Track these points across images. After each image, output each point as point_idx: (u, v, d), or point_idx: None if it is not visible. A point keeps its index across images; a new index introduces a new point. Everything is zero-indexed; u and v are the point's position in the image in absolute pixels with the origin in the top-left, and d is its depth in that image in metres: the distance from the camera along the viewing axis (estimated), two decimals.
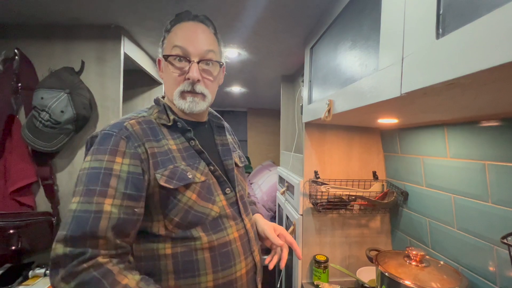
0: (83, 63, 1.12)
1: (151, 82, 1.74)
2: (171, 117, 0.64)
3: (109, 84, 1.15)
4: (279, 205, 1.72)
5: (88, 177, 0.51)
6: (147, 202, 0.57)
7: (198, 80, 0.64)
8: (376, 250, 0.98)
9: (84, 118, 1.06)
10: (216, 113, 0.79)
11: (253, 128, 3.63)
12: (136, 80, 1.72)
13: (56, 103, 0.98)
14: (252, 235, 0.68)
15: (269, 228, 0.75)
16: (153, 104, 0.70)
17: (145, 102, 1.79)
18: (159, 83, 1.76)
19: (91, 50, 1.14)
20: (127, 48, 1.20)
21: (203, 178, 0.62)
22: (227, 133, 0.78)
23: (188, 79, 0.63)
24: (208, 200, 0.61)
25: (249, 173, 3.48)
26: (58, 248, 0.46)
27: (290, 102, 1.85)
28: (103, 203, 0.50)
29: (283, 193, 1.53)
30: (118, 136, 0.56)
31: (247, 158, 3.64)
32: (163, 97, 0.72)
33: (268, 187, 2.21)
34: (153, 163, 0.58)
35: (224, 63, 0.72)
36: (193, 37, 0.63)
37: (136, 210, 0.53)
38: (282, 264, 0.72)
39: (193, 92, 0.64)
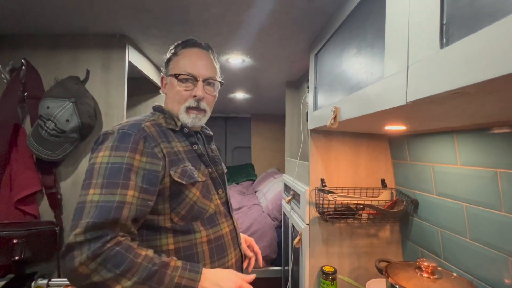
0: (88, 72, 1.16)
1: (154, 90, 1.78)
2: (179, 123, 0.75)
3: (113, 92, 1.19)
4: (284, 214, 1.72)
5: (109, 170, 0.58)
6: (157, 197, 0.65)
7: (203, 98, 0.75)
8: (386, 261, 0.97)
9: (89, 126, 1.09)
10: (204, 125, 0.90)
11: (257, 134, 3.65)
12: (140, 88, 1.76)
13: (62, 112, 1.02)
14: (238, 231, 0.82)
15: (242, 241, 0.89)
16: (153, 111, 0.79)
17: (148, 110, 1.83)
18: None
19: (97, 59, 1.18)
20: (132, 56, 1.24)
21: (203, 178, 0.73)
22: (213, 142, 0.90)
23: (195, 96, 0.74)
24: (207, 198, 0.73)
25: (253, 180, 3.48)
26: (79, 235, 0.51)
27: (295, 108, 1.86)
28: (126, 195, 0.57)
29: (288, 202, 1.53)
30: (137, 136, 0.63)
31: (251, 165, 3.64)
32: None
33: (273, 196, 2.21)
34: (168, 162, 0.66)
35: (223, 82, 0.85)
36: (199, 63, 0.76)
37: (149, 202, 0.62)
38: (250, 269, 0.88)
39: (197, 109, 0.76)
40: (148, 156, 0.63)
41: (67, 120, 1.02)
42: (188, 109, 0.75)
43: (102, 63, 1.18)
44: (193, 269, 0.60)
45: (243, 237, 0.93)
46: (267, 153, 3.64)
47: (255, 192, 2.90)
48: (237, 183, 3.33)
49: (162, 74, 0.81)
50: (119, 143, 0.61)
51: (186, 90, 0.75)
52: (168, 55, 0.80)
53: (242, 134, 3.78)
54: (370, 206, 1.08)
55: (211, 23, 1.08)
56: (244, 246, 0.89)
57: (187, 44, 0.78)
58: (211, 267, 0.68)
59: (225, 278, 0.61)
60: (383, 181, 1.23)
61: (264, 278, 1.93)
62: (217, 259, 0.70)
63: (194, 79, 0.75)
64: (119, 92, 1.19)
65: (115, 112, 1.18)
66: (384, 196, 1.16)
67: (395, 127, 0.90)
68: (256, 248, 0.92)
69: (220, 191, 0.78)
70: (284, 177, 1.74)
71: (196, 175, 0.70)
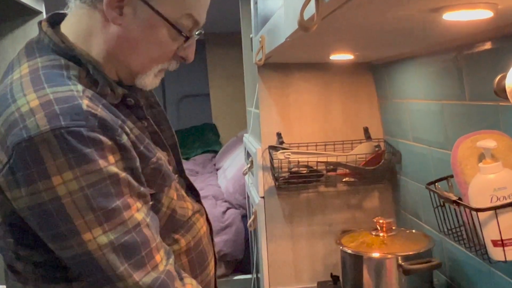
0: None
1: (24, 12, 2.20)
2: (118, 91, 0.82)
3: None
4: (248, 196, 2.17)
5: (93, 197, 0.68)
6: None
7: None
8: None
9: None
10: None
11: (217, 70, 3.96)
12: (3, 10, 2.17)
13: None
14: (211, 225, 1.08)
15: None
16: (54, 55, 0.78)
17: (18, 41, 2.23)
18: (37, 13, 2.24)
19: None
20: None
21: (171, 168, 0.92)
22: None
23: (182, 58, 0.88)
24: (181, 198, 0.94)
25: (216, 152, 3.91)
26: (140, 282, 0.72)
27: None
28: (134, 214, 0.73)
29: (246, 173, 2.02)
30: (91, 129, 0.68)
31: (212, 126, 4.05)
32: (52, 30, 0.82)
33: (236, 172, 2.69)
34: (138, 155, 0.79)
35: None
36: (207, 4, 0.87)
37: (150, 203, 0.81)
38: None
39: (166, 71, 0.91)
40: (120, 150, 0.73)
41: None
42: (161, 71, 0.88)
43: None
44: None
45: None
46: (237, 104, 3.80)
47: (217, 170, 3.39)
48: (188, 158, 3.79)
49: None
50: (74, 152, 0.66)
51: (174, 46, 0.84)
52: None
53: (193, 72, 3.98)
54: (340, 164, 1.56)
55: None
56: None
57: None
58: None
59: None
60: (366, 129, 1.67)
61: None
62: (199, 272, 0.94)
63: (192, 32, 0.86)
64: None
65: None
66: (361, 149, 1.62)
67: (340, 56, 1.37)
68: None
69: (176, 176, 0.97)
70: (244, 138, 2.21)
71: (171, 168, 0.90)
